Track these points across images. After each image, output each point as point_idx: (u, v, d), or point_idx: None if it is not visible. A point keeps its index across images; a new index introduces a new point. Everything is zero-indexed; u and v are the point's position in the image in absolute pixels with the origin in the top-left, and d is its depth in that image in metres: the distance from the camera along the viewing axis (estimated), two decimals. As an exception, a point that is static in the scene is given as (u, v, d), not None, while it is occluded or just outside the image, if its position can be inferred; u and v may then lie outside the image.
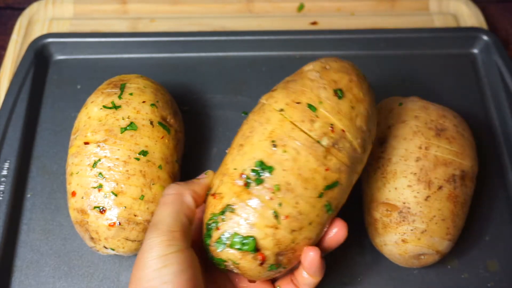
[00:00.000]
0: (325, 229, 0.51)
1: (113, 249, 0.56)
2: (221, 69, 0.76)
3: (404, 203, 0.56)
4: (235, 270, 0.50)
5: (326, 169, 0.49)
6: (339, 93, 0.51)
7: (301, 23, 0.82)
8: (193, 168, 0.67)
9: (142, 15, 0.83)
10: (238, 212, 0.49)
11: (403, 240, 0.56)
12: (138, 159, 0.56)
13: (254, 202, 0.48)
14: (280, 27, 0.81)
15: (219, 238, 0.49)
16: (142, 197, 0.55)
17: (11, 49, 0.78)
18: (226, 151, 0.56)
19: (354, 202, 0.65)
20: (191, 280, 0.44)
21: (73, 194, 0.56)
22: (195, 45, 0.77)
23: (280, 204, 0.48)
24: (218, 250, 0.49)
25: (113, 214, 0.55)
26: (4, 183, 0.64)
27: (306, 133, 0.49)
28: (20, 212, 0.64)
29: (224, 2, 0.84)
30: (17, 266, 0.61)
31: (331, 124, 0.49)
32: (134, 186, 0.55)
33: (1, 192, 0.63)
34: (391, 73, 0.76)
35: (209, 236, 0.50)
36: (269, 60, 0.77)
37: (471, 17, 0.83)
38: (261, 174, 0.49)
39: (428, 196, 0.56)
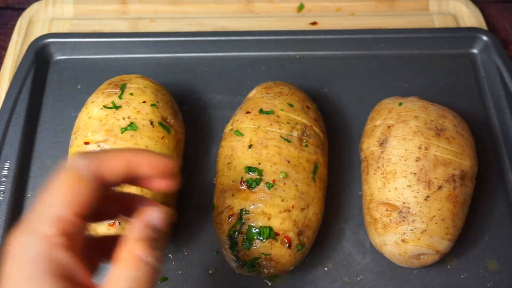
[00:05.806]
0: None
1: (113, 249, 0.56)
2: (221, 69, 0.76)
3: (404, 203, 0.56)
4: (269, 266, 0.54)
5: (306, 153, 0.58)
6: (287, 99, 0.61)
7: (301, 23, 0.82)
8: (193, 168, 0.67)
9: (142, 15, 0.83)
10: (252, 210, 0.54)
11: (403, 240, 0.56)
12: (138, 159, 0.56)
13: (262, 197, 0.54)
14: (280, 27, 0.81)
15: (244, 239, 0.54)
16: (142, 197, 0.55)
17: (12, 49, 0.78)
18: (214, 181, 0.61)
19: (354, 202, 0.65)
20: None
21: (73, 194, 0.56)
22: (195, 45, 0.77)
23: (284, 191, 0.55)
24: (248, 250, 0.53)
25: (113, 214, 0.55)
26: (4, 183, 0.64)
27: (278, 132, 0.58)
28: (20, 212, 0.64)
29: (224, 2, 0.84)
30: (17, 266, 0.60)
31: (294, 120, 0.59)
32: (134, 186, 0.55)
33: (1, 192, 0.63)
34: (391, 73, 0.76)
35: (236, 244, 0.54)
36: (269, 60, 0.77)
37: (470, 17, 0.83)
38: (258, 173, 0.56)
39: (427, 196, 0.56)
